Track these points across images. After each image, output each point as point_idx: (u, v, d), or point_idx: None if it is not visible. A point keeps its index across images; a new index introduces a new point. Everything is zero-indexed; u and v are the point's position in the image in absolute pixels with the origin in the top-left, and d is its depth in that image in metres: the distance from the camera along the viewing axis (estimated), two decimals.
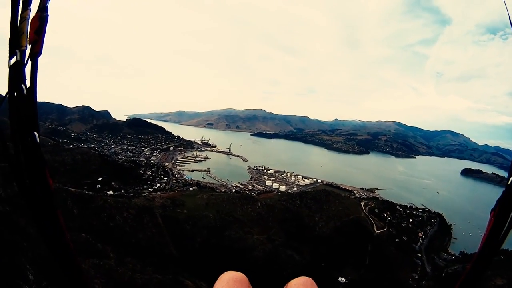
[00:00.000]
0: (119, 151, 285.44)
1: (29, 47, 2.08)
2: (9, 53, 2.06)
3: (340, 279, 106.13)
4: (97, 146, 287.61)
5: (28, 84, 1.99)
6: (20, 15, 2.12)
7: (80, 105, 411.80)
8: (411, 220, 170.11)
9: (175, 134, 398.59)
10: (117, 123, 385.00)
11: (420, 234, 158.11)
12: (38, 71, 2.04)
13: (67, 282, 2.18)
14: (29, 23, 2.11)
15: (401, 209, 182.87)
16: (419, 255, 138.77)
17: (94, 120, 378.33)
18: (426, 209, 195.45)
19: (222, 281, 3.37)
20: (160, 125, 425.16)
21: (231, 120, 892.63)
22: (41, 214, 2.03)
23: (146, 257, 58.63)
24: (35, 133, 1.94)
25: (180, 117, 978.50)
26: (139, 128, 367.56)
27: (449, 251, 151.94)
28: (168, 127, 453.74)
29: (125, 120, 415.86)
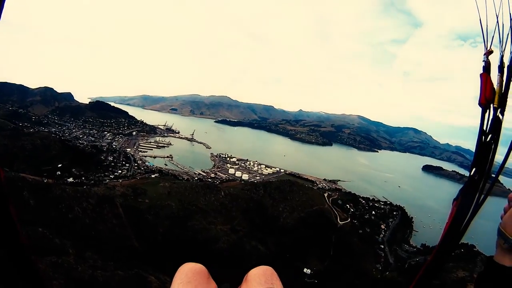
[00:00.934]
0: (81, 136, 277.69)
1: None
2: None
3: (305, 270, 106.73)
4: (58, 130, 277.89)
5: None
6: None
7: (42, 86, 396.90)
8: (373, 212, 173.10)
9: (139, 118, 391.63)
10: (80, 106, 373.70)
11: (383, 226, 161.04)
12: None
13: (22, 283, 2.04)
14: None
15: (363, 201, 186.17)
16: (382, 246, 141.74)
17: (56, 103, 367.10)
18: (388, 202, 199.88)
19: (182, 273, 3.36)
20: (124, 109, 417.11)
21: (195, 106, 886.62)
22: None
23: (107, 251, 57.56)
24: None
25: (145, 101, 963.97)
26: (102, 112, 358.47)
27: (410, 243, 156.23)
28: (132, 111, 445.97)
29: (88, 103, 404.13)
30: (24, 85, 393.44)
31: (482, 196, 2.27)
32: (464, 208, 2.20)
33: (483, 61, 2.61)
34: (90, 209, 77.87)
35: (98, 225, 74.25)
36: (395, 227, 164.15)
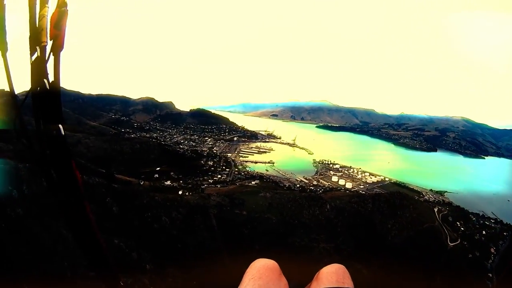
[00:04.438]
0: (182, 141, 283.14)
1: (50, 42, 2.16)
2: (30, 50, 2.16)
3: None
4: (160, 136, 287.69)
5: (51, 78, 2.03)
6: (39, 13, 2.21)
7: (144, 97, 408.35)
8: (483, 232, 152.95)
9: (239, 124, 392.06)
10: (181, 113, 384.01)
11: (492, 250, 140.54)
12: (61, 65, 2.08)
13: (94, 270, 2.31)
14: (49, 19, 2.19)
15: (474, 218, 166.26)
16: (490, 275, 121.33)
17: (158, 111, 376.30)
18: (499, 220, 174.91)
19: (253, 269, 3.49)
20: (224, 116, 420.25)
21: (295, 112, 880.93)
22: (68, 206, 2.10)
23: (192, 267, 51.58)
24: (60, 126, 1.93)
25: (245, 108, 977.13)
26: (202, 119, 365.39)
27: None
28: (232, 117, 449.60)
29: (189, 110, 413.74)
30: (126, 96, 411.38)
31: None
32: None
33: None
34: (180, 220, 70.07)
35: (187, 237, 66.09)
36: (504, 251, 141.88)
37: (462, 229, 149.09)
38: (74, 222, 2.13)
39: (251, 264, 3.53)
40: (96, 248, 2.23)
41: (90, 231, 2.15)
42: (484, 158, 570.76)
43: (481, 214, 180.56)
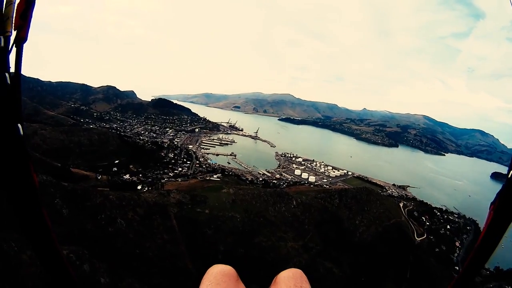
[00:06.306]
0: (142, 132, 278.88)
1: (14, 32, 1.98)
2: None
3: None
4: (120, 126, 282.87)
5: (12, 72, 1.89)
6: None
7: (105, 85, 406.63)
8: (448, 226, 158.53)
9: (201, 115, 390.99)
10: (142, 103, 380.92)
11: (457, 243, 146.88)
12: (23, 58, 1.95)
13: (53, 279, 2.16)
14: (15, 7, 1.99)
15: (438, 213, 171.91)
16: (457, 268, 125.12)
17: (119, 100, 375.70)
18: (462, 214, 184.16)
19: (210, 275, 3.50)
20: (186, 106, 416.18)
21: (258, 104, 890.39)
22: (24, 212, 1.98)
23: (152, 276, 47.29)
24: (19, 125, 1.82)
25: (207, 99, 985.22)
26: (164, 109, 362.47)
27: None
28: (195, 108, 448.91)
29: (150, 100, 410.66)
30: (87, 84, 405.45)
31: None
32: (502, 212, 2.08)
33: None
34: (137, 221, 64.14)
35: (145, 241, 60.22)
36: (468, 245, 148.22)
37: (428, 223, 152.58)
38: (30, 231, 1.99)
39: (208, 270, 3.53)
40: (56, 259, 2.11)
41: (48, 242, 2.05)
42: (444, 155, 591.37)
43: (444, 208, 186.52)
